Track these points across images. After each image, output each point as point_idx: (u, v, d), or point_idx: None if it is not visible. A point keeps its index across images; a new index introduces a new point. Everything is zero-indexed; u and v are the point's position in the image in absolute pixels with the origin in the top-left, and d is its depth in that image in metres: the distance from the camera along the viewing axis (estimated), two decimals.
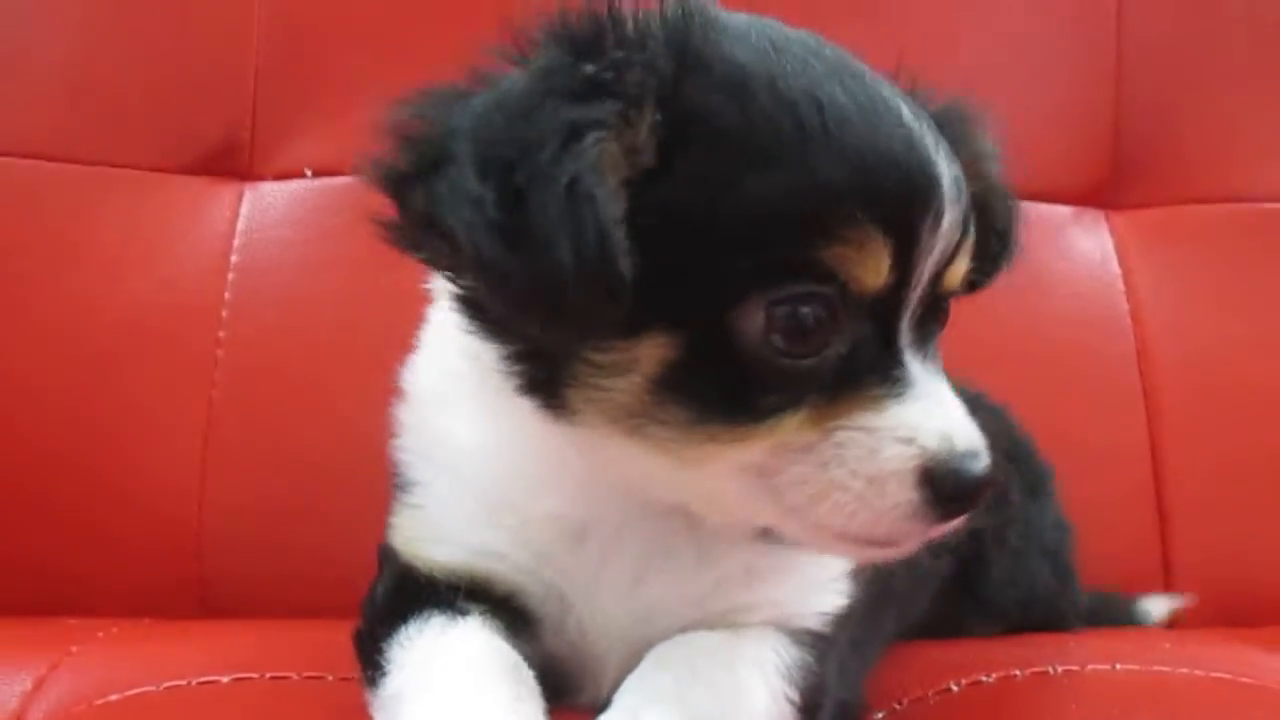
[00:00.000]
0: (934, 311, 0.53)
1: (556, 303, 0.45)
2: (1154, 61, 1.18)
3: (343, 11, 1.09)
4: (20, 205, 1.03)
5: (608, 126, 0.46)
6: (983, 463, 0.49)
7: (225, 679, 0.60)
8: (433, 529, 0.58)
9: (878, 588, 0.60)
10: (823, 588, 0.58)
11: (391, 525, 0.60)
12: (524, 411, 0.53)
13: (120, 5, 1.07)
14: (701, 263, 0.47)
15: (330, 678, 0.61)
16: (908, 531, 0.50)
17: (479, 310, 0.52)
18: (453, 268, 0.50)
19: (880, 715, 0.61)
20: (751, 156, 0.48)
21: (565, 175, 0.45)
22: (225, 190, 1.07)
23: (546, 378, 0.51)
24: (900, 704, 0.62)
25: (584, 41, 0.49)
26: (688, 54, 0.49)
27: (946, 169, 0.51)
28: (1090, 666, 0.65)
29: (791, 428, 0.49)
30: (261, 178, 1.08)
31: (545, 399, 0.51)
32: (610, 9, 0.50)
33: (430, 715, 0.50)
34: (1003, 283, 1.09)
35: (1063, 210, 1.16)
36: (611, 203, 0.45)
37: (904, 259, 0.49)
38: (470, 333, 0.53)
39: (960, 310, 1.06)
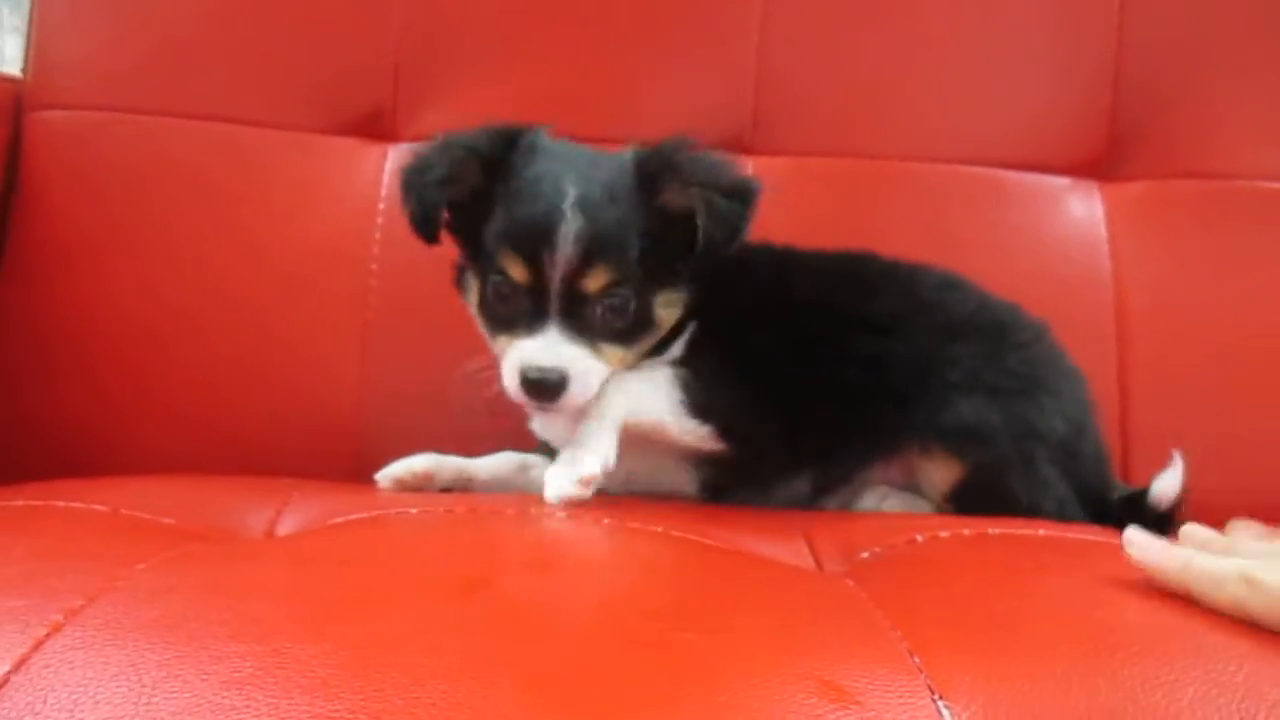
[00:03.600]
0: (583, 302, 0.96)
1: (415, 230, 1.00)
2: (1151, 49, 1.37)
3: (468, 10, 1.33)
4: (218, 161, 1.29)
5: (446, 166, 0.98)
6: (540, 373, 0.95)
7: (414, 510, 0.87)
8: None
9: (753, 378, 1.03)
10: None
11: None
12: None
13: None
14: (483, 250, 0.98)
15: (481, 508, 0.89)
16: (526, 400, 0.97)
17: None
18: None
19: (864, 554, 0.87)
20: (499, 205, 0.97)
21: (421, 183, 0.99)
22: (373, 150, 1.33)
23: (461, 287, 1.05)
24: (878, 549, 0.87)
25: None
26: (503, 152, 0.99)
27: (570, 223, 0.93)
28: (1020, 531, 0.90)
29: (502, 344, 0.98)
30: (402, 139, 1.33)
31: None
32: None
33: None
34: (1007, 243, 1.35)
35: (1060, 181, 1.37)
36: (437, 195, 0.98)
37: (534, 269, 0.94)
38: None
39: (975, 263, 1.30)
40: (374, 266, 1.28)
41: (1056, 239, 1.36)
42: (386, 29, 1.34)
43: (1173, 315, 1.33)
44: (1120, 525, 1.04)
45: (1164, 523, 1.01)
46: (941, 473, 1.05)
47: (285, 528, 0.90)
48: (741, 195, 0.99)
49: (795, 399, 1.04)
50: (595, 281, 0.95)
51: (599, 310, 0.96)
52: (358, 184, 1.32)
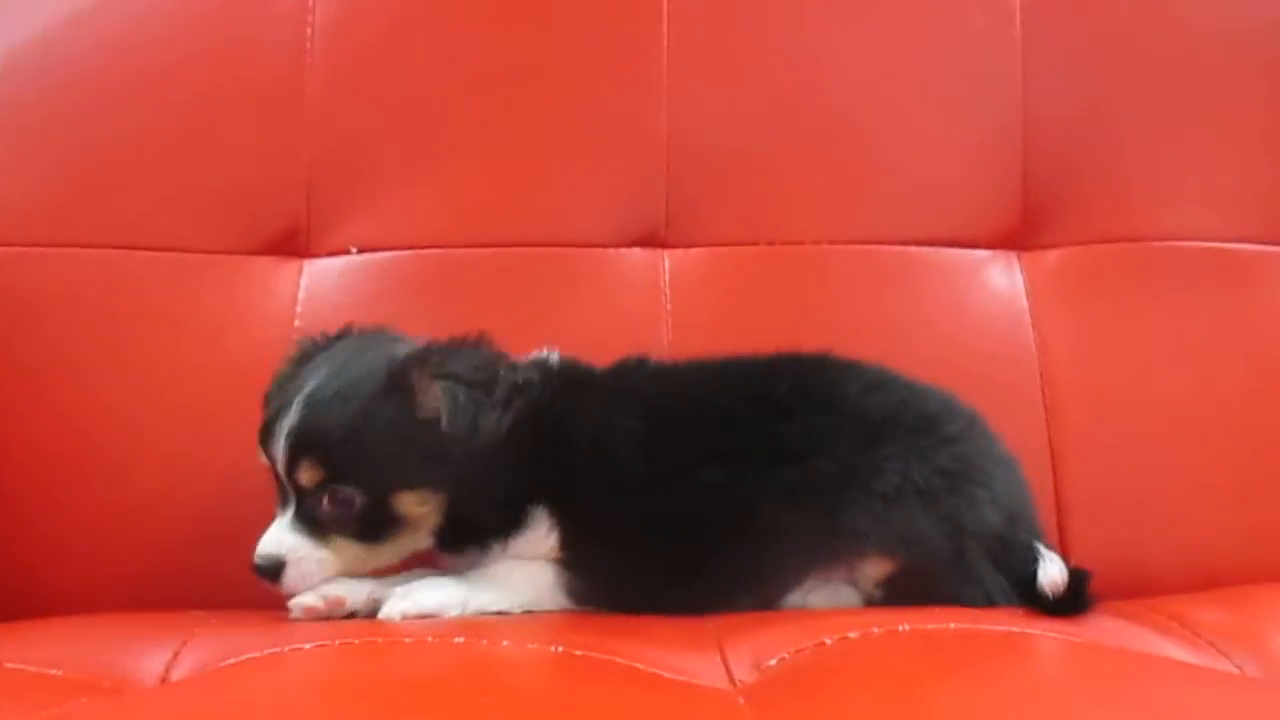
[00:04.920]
0: (306, 495, 0.99)
1: None
2: (1057, 119, 1.37)
3: (378, 123, 1.34)
4: (131, 289, 1.27)
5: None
6: (260, 560, 0.99)
7: (308, 645, 0.85)
8: None
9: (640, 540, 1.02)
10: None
11: None
12: None
13: (199, 125, 1.33)
14: None
15: (380, 639, 0.87)
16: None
17: None
18: None
19: (772, 661, 0.85)
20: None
21: None
22: (289, 267, 1.32)
23: None
24: (787, 655, 0.85)
25: None
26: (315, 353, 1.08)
27: (289, 419, 0.98)
28: (930, 625, 0.88)
29: None
30: (317, 255, 1.32)
31: None
32: None
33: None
34: (929, 321, 1.35)
35: (979, 254, 1.36)
36: None
37: (271, 462, 1.00)
38: None
39: (896, 343, 1.29)
40: None
41: (979, 313, 1.34)
42: (296, 144, 1.34)
43: (1099, 381, 1.31)
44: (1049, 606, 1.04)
45: (1079, 600, 0.99)
46: (874, 568, 1.03)
47: (180, 670, 0.87)
48: (485, 385, 0.98)
49: (709, 546, 1.02)
50: (307, 476, 0.98)
51: (324, 504, 0.98)
52: (274, 304, 1.31)
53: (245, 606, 1.09)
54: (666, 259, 1.35)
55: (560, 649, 0.84)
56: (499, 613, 1.00)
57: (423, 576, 1.03)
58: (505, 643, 0.85)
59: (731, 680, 0.84)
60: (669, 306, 1.33)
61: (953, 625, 0.88)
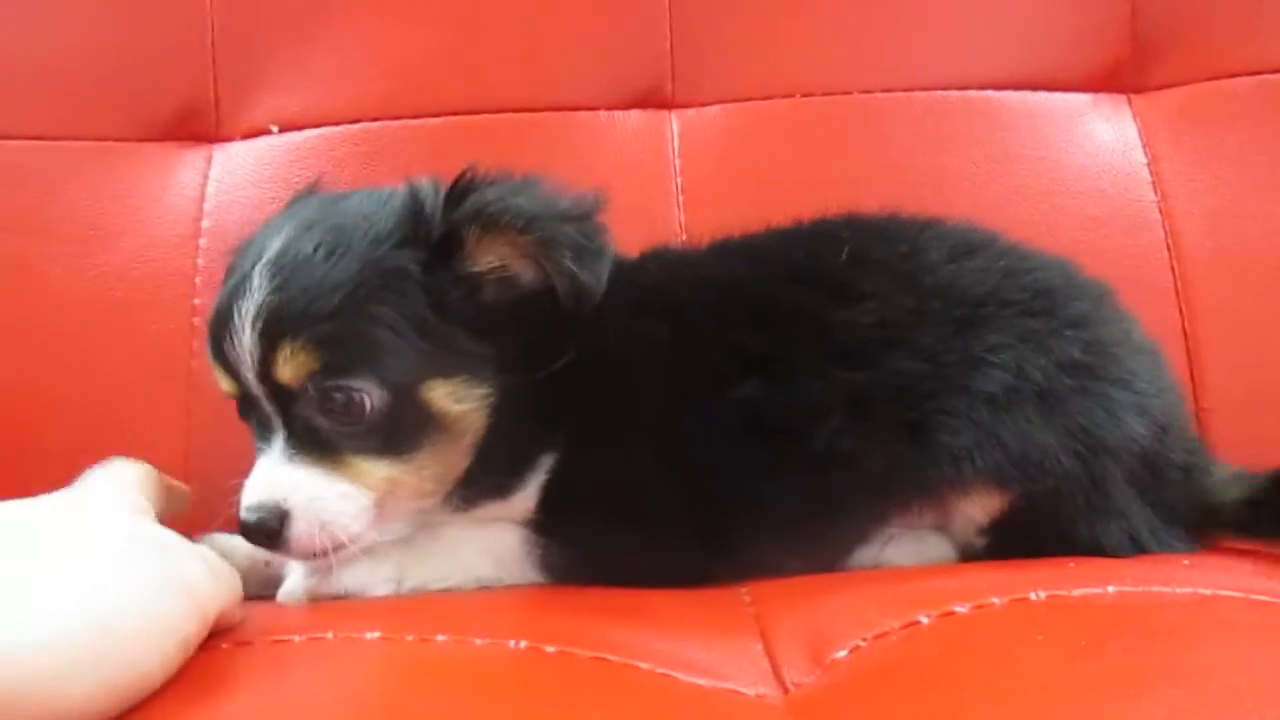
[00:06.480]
0: (293, 402, 0.69)
1: None
2: None
3: None
4: None
5: None
6: (250, 514, 0.68)
7: None
8: None
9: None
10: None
11: None
12: None
13: None
14: None
15: (258, 642, 0.59)
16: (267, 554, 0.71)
17: None
18: None
19: (841, 653, 0.56)
20: None
21: None
22: (193, 154, 1.07)
23: None
24: (861, 641, 0.57)
25: None
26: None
27: (248, 305, 0.68)
28: (1078, 591, 0.59)
29: None
30: (229, 139, 1.07)
31: None
32: None
33: None
34: (1017, 184, 1.06)
35: (1079, 98, 1.09)
36: None
37: (231, 370, 0.70)
38: None
39: (976, 215, 1.00)
40: (199, 280, 1.02)
41: (1082, 171, 1.07)
42: (199, 8, 1.08)
43: (1239, 246, 1.04)
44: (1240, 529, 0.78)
45: None
46: (978, 506, 0.75)
47: None
48: (590, 234, 0.71)
49: (745, 487, 0.74)
50: (291, 368, 0.67)
51: (325, 410, 0.68)
52: (174, 198, 1.08)
53: None
54: (674, 121, 1.08)
55: (523, 644, 0.56)
56: (444, 593, 0.72)
57: None
58: (440, 638, 0.57)
59: (782, 684, 0.56)
60: (679, 180, 1.07)
61: (1111, 589, 0.58)
